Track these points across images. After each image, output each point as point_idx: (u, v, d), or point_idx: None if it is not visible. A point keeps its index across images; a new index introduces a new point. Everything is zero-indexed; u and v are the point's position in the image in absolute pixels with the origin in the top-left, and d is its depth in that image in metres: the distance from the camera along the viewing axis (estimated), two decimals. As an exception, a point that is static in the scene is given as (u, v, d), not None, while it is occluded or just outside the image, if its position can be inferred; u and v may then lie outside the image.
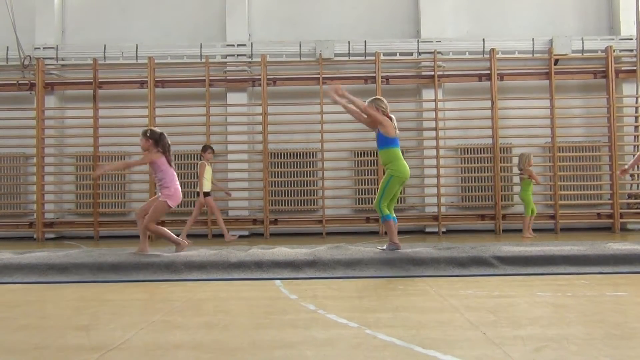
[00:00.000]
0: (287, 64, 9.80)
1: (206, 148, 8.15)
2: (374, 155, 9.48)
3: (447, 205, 9.61)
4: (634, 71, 9.47)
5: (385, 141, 5.25)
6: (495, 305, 3.23)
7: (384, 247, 5.22)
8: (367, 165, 9.65)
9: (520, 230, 8.53)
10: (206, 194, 7.98)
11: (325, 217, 9.33)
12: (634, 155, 9.41)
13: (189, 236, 7.73)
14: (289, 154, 9.67)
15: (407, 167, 5.31)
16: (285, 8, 10.24)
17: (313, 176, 9.70)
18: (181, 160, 9.73)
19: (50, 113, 9.97)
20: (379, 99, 5.46)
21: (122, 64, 9.88)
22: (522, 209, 9.46)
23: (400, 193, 9.45)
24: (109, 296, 3.86)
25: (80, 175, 9.79)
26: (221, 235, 8.42)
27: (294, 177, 9.63)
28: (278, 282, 4.29)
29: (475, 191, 9.62)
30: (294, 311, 3.19)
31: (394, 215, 5.29)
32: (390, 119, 5.27)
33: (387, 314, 3.06)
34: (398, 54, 9.77)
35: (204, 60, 9.61)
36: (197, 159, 9.66)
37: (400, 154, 5.31)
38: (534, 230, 8.24)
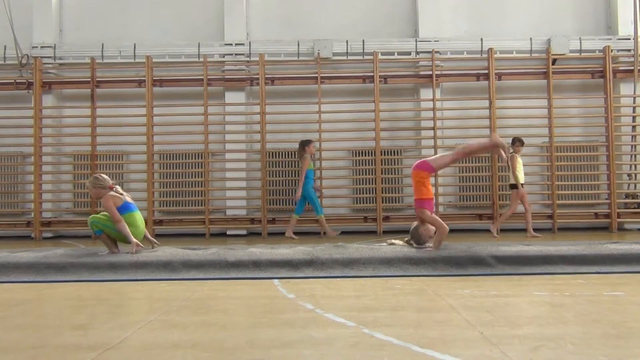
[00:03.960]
0: (285, 63, 9.80)
1: (515, 141, 8.22)
2: (371, 155, 9.49)
3: (445, 205, 9.62)
4: (632, 71, 9.49)
5: (120, 211, 5.33)
6: (493, 305, 3.23)
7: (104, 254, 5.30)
8: (365, 165, 9.65)
9: (518, 230, 8.53)
10: (516, 186, 8.04)
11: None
12: (631, 156, 9.50)
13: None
14: (287, 153, 9.67)
15: (141, 234, 5.46)
16: (283, 7, 10.24)
17: (311, 175, 9.69)
18: (179, 159, 9.73)
19: (48, 112, 9.95)
20: (95, 178, 5.51)
21: (120, 62, 9.87)
22: (520, 208, 9.49)
23: (398, 192, 9.56)
24: (107, 295, 3.86)
25: (78, 174, 9.77)
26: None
27: (292, 176, 9.62)
28: (276, 281, 4.30)
29: (472, 191, 9.64)
30: (292, 310, 3.19)
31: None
32: (114, 188, 5.43)
33: (385, 313, 3.07)
34: (396, 53, 9.78)
35: (202, 59, 9.60)
36: (195, 158, 9.67)
37: (135, 219, 5.42)
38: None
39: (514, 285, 3.96)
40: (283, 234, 9.31)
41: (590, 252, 4.76)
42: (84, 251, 5.55)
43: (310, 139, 8.71)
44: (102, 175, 5.62)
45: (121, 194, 5.48)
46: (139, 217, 5.54)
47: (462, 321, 2.82)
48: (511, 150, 8.15)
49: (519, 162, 8.07)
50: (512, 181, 8.05)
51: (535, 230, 8.23)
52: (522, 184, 8.01)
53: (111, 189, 5.44)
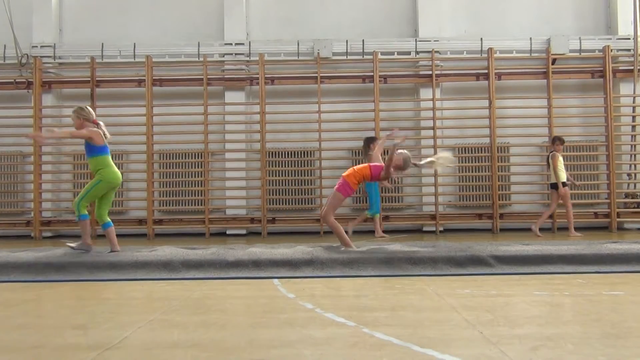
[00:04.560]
0: (285, 63, 9.79)
1: (555, 139, 8.22)
2: (371, 155, 9.49)
3: (445, 205, 9.62)
4: (631, 71, 9.49)
5: (91, 150, 5.38)
6: (493, 305, 3.23)
7: (74, 245, 5.36)
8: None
9: (518, 230, 8.52)
10: (563, 184, 8.02)
11: (323, 216, 9.33)
12: (630, 155, 9.50)
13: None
14: (286, 152, 9.67)
15: (118, 173, 5.49)
16: (283, 7, 10.24)
17: (311, 175, 9.70)
18: (179, 159, 9.72)
19: (48, 112, 9.94)
20: (80, 108, 5.52)
21: (119, 62, 9.87)
22: (520, 208, 9.52)
23: (398, 192, 9.57)
24: (107, 295, 3.86)
25: (78, 173, 9.76)
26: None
27: (291, 176, 9.63)
28: (276, 281, 4.30)
29: (472, 190, 9.64)
30: (292, 310, 3.20)
31: (110, 220, 5.51)
32: (98, 124, 5.40)
33: (385, 313, 3.07)
34: (396, 53, 9.77)
35: (201, 59, 9.60)
36: (195, 158, 9.67)
37: (109, 160, 5.46)
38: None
39: (513, 285, 3.96)
40: (284, 233, 9.32)
41: (589, 252, 4.77)
42: (84, 250, 5.54)
43: (375, 136, 8.55)
44: (88, 107, 5.57)
45: (104, 134, 5.42)
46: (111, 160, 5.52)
47: (462, 321, 2.82)
48: (551, 150, 8.16)
49: (560, 160, 8.06)
50: (554, 180, 8.03)
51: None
52: (563, 183, 7.98)
53: (95, 123, 5.38)
